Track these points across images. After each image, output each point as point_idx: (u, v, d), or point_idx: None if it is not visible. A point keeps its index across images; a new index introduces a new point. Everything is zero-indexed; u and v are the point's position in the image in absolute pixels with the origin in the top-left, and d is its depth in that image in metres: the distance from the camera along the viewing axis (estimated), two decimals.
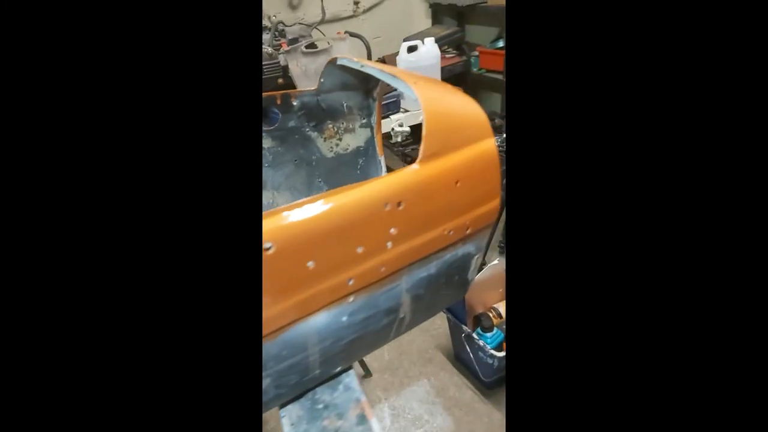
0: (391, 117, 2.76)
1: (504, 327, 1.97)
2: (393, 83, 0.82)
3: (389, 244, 0.67)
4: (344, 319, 0.69)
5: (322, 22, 2.99)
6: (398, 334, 0.84)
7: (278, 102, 1.20)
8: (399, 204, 0.67)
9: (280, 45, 2.59)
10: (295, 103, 1.22)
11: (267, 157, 1.28)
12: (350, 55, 1.04)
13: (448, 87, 0.86)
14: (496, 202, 0.80)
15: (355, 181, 1.36)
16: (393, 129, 2.71)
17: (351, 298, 0.68)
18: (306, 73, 2.67)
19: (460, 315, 1.89)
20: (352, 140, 1.32)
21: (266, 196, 1.32)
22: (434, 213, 0.72)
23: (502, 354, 1.73)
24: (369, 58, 2.93)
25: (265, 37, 2.55)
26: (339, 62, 1.06)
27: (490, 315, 1.95)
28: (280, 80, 2.53)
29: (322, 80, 1.19)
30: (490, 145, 0.77)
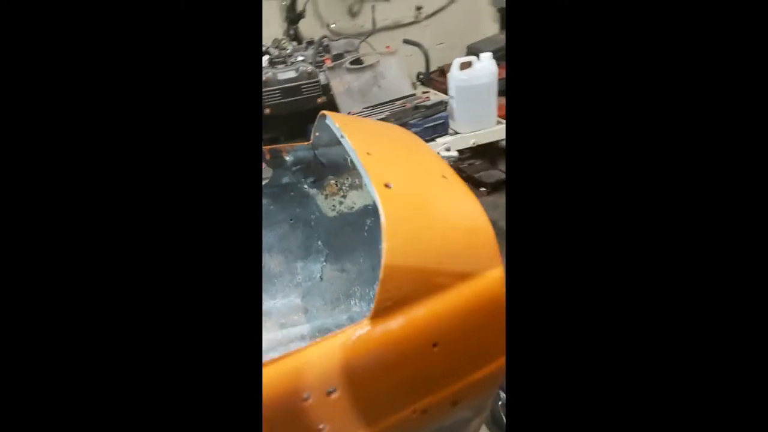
0: (437, 141, 2.48)
1: None
2: (361, 172, 0.59)
3: None
4: None
5: (372, 33, 2.80)
6: None
7: (267, 157, 1.01)
8: (330, 392, 0.44)
9: (324, 61, 2.42)
10: (288, 158, 1.02)
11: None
12: (337, 114, 0.82)
13: (445, 176, 0.60)
14: (499, 362, 0.54)
15: (361, 245, 1.13)
16: (438, 153, 2.44)
17: None
18: (349, 92, 2.48)
19: None
20: (359, 198, 1.10)
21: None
22: (394, 393, 0.48)
23: None
24: (427, 68, 2.70)
25: (308, 53, 2.40)
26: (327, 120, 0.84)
27: None
28: (320, 99, 2.37)
29: (317, 134, 0.98)
30: (493, 280, 0.51)
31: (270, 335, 1.08)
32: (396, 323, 0.47)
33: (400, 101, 2.38)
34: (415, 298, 0.48)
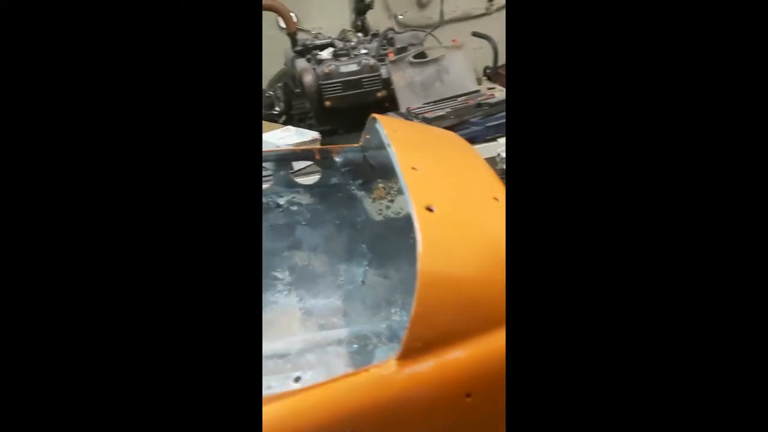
0: (498, 140, 2.36)
1: None
2: (403, 189, 0.54)
3: None
4: None
5: (440, 25, 2.70)
6: None
7: (317, 157, 0.99)
8: None
9: (387, 54, 2.38)
10: (337, 159, 0.99)
11: (305, 215, 1.09)
12: (389, 117, 0.77)
13: (496, 197, 0.54)
14: None
15: (405, 252, 1.09)
16: (498, 155, 2.32)
17: None
18: (410, 86, 2.42)
19: None
20: (406, 203, 1.05)
21: (301, 258, 1.13)
22: None
23: None
24: (495, 62, 2.57)
25: (372, 46, 2.37)
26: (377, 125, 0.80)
27: None
28: (380, 93, 2.33)
29: (367, 136, 0.94)
30: None
31: (309, 335, 1.07)
32: (425, 367, 0.43)
33: (463, 98, 2.29)
34: (449, 340, 0.43)
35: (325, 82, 2.23)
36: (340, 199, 1.07)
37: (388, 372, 0.42)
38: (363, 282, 1.13)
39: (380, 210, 1.08)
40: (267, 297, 1.15)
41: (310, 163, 1.03)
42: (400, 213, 1.07)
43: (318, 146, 0.98)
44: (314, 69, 2.19)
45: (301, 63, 2.24)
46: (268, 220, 1.09)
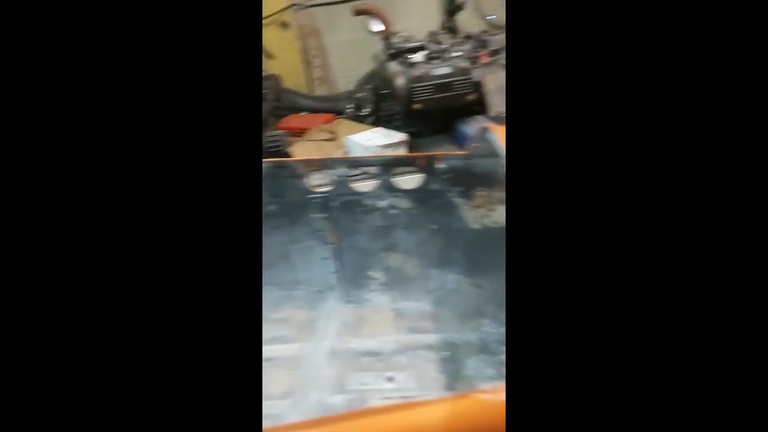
0: None
1: None
2: None
3: None
4: None
5: None
6: None
7: (423, 162, 1.00)
8: None
9: (479, 57, 2.34)
10: (440, 166, 1.00)
11: (401, 218, 1.11)
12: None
13: None
14: None
15: (501, 264, 1.08)
16: None
17: None
18: (500, 89, 2.37)
19: None
20: (503, 213, 1.03)
21: (395, 260, 1.16)
22: None
23: None
24: None
25: (466, 48, 2.34)
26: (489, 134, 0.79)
27: None
28: (470, 96, 2.30)
29: (474, 144, 0.94)
30: None
31: (399, 337, 1.10)
32: None
33: None
34: None
35: (416, 85, 2.25)
36: (438, 204, 1.08)
37: (493, 396, 0.42)
38: (454, 289, 1.13)
39: (478, 218, 1.07)
40: (361, 294, 1.20)
41: (413, 168, 1.05)
42: (498, 223, 1.05)
43: (424, 153, 0.99)
44: (406, 72, 2.21)
45: (393, 66, 2.27)
46: (367, 222, 1.13)
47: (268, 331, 1.13)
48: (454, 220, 1.09)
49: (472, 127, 1.40)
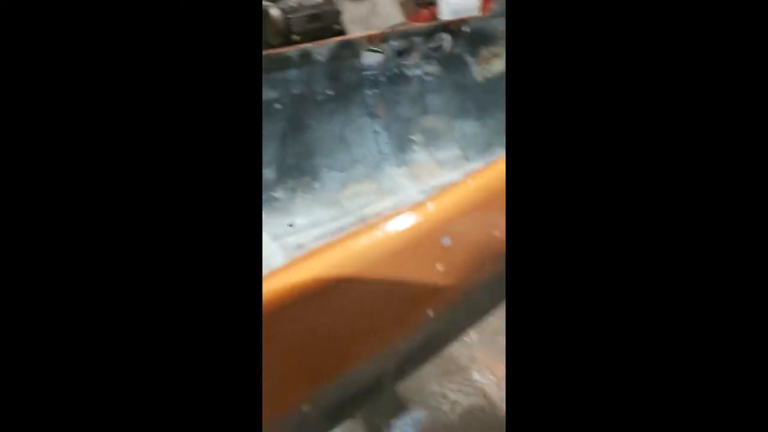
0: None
1: None
2: None
3: None
4: None
5: None
6: None
7: (453, 29, 1.31)
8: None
9: None
10: (466, 29, 1.33)
11: (433, 83, 1.40)
12: None
13: None
14: None
15: (500, 104, 1.50)
16: None
17: None
18: (352, 20, 2.69)
19: None
20: (499, 65, 1.46)
21: (428, 120, 1.45)
22: None
23: None
24: None
25: None
26: None
27: None
28: (336, 26, 2.55)
29: (495, 6, 1.31)
30: None
31: (445, 177, 1.41)
32: None
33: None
34: None
35: (292, 16, 2.33)
36: (456, 66, 1.41)
37: None
38: (472, 133, 1.51)
39: (481, 72, 1.46)
40: (407, 156, 1.44)
41: (448, 36, 1.33)
42: (494, 73, 1.47)
43: (456, 19, 1.29)
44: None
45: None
46: (408, 91, 1.37)
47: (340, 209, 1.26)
48: (467, 77, 1.44)
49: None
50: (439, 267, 0.52)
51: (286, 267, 0.47)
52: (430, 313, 0.56)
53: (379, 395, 0.69)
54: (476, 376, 1.73)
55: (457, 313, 0.63)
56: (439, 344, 0.68)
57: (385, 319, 0.51)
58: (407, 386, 1.69)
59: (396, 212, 0.47)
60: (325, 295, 0.46)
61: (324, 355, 0.49)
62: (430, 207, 0.47)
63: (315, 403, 0.51)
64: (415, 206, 0.48)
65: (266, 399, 0.41)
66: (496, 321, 1.98)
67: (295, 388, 0.48)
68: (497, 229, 0.58)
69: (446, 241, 0.50)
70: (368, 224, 0.46)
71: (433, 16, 2.67)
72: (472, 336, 1.91)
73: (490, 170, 0.54)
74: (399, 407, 1.61)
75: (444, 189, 0.49)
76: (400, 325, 0.53)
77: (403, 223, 0.47)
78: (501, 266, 0.59)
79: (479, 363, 1.77)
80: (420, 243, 0.49)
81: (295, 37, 2.44)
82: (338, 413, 0.62)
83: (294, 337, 0.47)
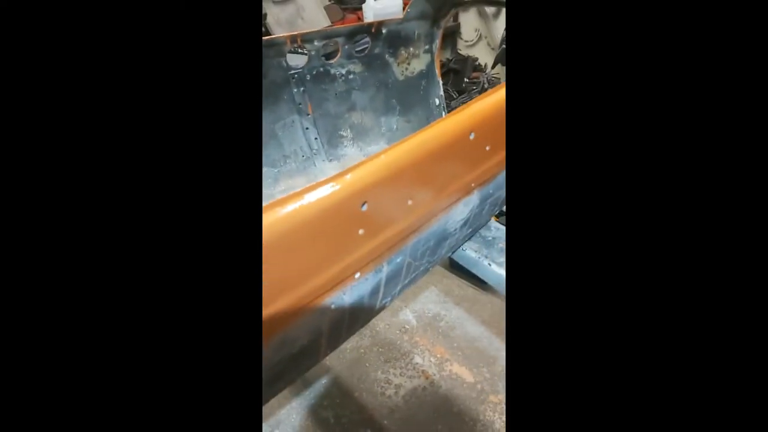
0: None
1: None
2: None
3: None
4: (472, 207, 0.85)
5: None
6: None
7: (373, 31, 1.40)
8: None
9: None
10: (384, 31, 1.43)
11: (357, 82, 1.48)
12: None
13: None
14: None
15: (420, 100, 1.62)
16: None
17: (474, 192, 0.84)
18: (279, 23, 2.73)
19: None
20: (417, 65, 1.58)
21: (356, 117, 1.53)
22: None
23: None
24: None
25: None
26: None
27: None
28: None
29: (408, 10, 1.42)
30: None
31: None
32: None
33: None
34: None
35: None
36: (378, 65, 1.50)
37: None
38: (396, 128, 1.61)
39: (402, 71, 1.57)
40: (338, 151, 1.50)
41: (366, 37, 1.42)
42: (413, 72, 1.59)
43: (375, 21, 1.38)
44: None
45: None
46: (335, 89, 1.44)
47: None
48: (389, 76, 1.54)
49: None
50: (360, 231, 0.60)
51: None
52: (357, 275, 0.63)
53: (318, 357, 0.75)
54: (417, 359, 1.83)
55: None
56: (368, 312, 0.75)
57: (313, 279, 0.58)
58: (352, 374, 1.75)
59: (318, 183, 0.53)
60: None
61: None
62: (348, 177, 0.55)
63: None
64: (335, 177, 0.54)
65: None
66: (436, 307, 2.09)
67: None
68: (411, 199, 0.67)
69: (364, 207, 0.58)
70: (294, 193, 0.52)
71: (360, 21, 2.75)
72: (411, 322, 2.01)
73: (401, 145, 0.63)
74: (345, 395, 1.67)
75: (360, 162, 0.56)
76: (329, 284, 0.60)
77: (325, 191, 0.53)
78: (419, 234, 0.69)
79: (420, 347, 1.88)
80: (340, 208, 0.56)
81: None
82: (281, 375, 0.67)
83: None
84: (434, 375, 1.77)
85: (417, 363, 1.83)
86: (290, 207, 0.51)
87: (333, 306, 0.62)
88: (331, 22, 2.82)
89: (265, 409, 1.57)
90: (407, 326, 2.03)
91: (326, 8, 2.90)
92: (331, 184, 0.53)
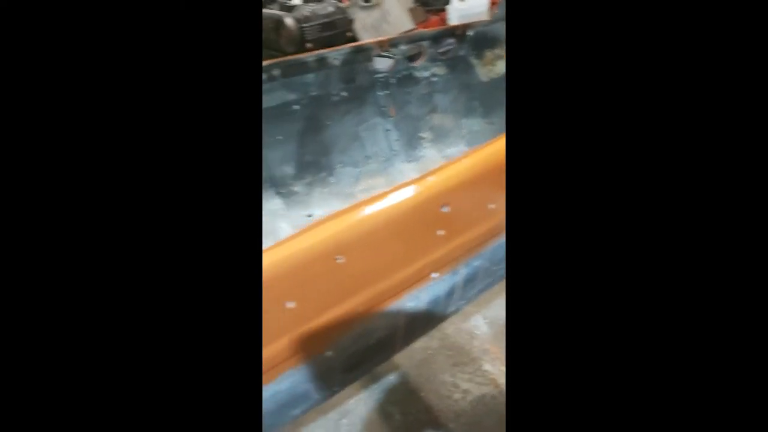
0: None
1: None
2: None
3: None
4: None
5: None
6: None
7: (459, 33, 1.41)
8: None
9: (341, 0, 2.70)
10: (470, 33, 1.43)
11: (440, 84, 1.49)
12: None
13: None
14: None
15: (501, 104, 1.58)
16: None
17: None
18: (365, 27, 2.80)
19: None
20: (503, 66, 1.55)
21: (437, 118, 1.54)
22: None
23: None
24: None
25: None
26: None
27: None
28: (349, 33, 2.66)
29: (497, 12, 1.40)
30: None
31: None
32: None
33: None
34: None
35: (306, 25, 2.45)
36: (462, 68, 1.50)
37: None
38: (477, 131, 1.60)
39: (487, 73, 1.55)
40: (417, 153, 1.53)
41: (452, 39, 1.43)
42: (499, 74, 1.56)
43: (461, 24, 1.38)
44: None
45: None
46: (417, 91, 1.46)
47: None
48: (472, 78, 1.53)
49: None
50: (440, 232, 0.61)
51: (301, 232, 0.54)
52: (434, 275, 0.65)
53: (392, 352, 0.77)
54: (487, 366, 1.79)
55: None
56: (442, 312, 0.76)
57: (393, 276, 0.60)
58: (420, 374, 1.77)
59: (399, 185, 0.55)
60: (331, 257, 0.51)
61: (341, 308, 0.57)
62: (431, 179, 0.56)
63: (337, 351, 0.59)
64: (417, 179, 0.56)
65: (296, 343, 0.49)
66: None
67: (320, 335, 0.57)
68: (493, 203, 0.66)
69: (445, 209, 0.59)
70: (374, 196, 0.54)
71: (443, 22, 2.75)
72: (482, 328, 1.98)
73: (486, 149, 0.63)
74: (412, 393, 1.69)
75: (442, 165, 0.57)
76: (406, 282, 0.62)
77: (406, 193, 0.56)
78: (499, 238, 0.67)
79: (490, 354, 1.84)
80: (421, 211, 0.57)
81: (309, 45, 2.56)
82: (357, 364, 0.70)
83: (314, 292, 0.55)
84: (504, 385, 1.73)
85: (486, 370, 1.80)
86: (375, 207, 0.53)
87: (409, 303, 0.64)
88: (416, 25, 2.85)
89: (335, 398, 1.64)
90: (478, 332, 2.00)
91: (411, 11, 2.94)
92: (414, 186, 0.55)
